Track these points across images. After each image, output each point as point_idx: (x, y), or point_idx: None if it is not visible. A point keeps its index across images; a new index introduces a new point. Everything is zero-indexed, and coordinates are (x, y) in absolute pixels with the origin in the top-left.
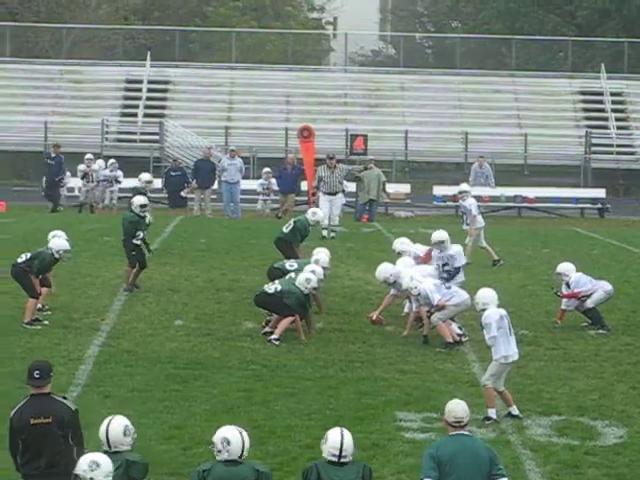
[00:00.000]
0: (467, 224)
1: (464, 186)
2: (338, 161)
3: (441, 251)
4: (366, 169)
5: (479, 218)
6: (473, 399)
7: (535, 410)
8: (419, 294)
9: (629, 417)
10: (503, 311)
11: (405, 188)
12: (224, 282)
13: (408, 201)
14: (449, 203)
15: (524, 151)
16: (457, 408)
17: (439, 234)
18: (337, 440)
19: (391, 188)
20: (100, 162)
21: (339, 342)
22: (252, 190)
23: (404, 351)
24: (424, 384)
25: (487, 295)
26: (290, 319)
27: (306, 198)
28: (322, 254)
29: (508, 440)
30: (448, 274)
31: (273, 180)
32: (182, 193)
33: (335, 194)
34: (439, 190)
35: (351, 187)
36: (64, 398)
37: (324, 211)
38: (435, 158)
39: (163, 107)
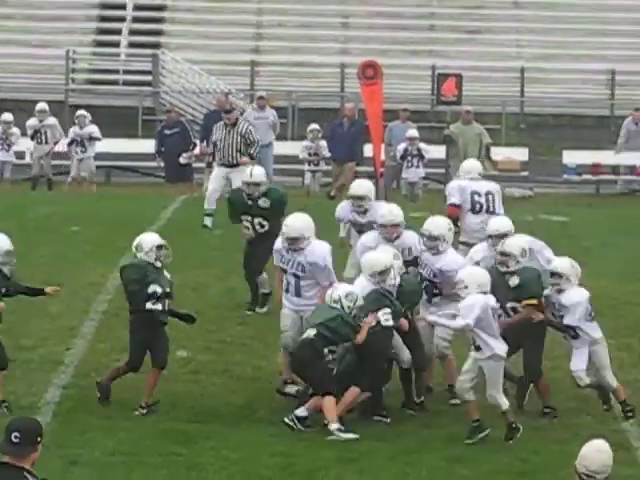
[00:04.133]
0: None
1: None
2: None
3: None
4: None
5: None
6: (622, 468)
7: None
8: None
9: None
10: None
11: (521, 154)
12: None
13: (525, 173)
14: (586, 177)
15: None
16: (593, 457)
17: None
18: None
19: (499, 154)
20: (84, 115)
21: None
22: (292, 156)
23: None
24: (547, 447)
25: None
26: None
27: (371, 169)
28: None
29: None
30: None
31: (323, 142)
32: (181, 159)
33: (233, 166)
34: (571, 157)
35: (436, 152)
36: None
37: (211, 190)
38: (566, 109)
39: (158, 32)
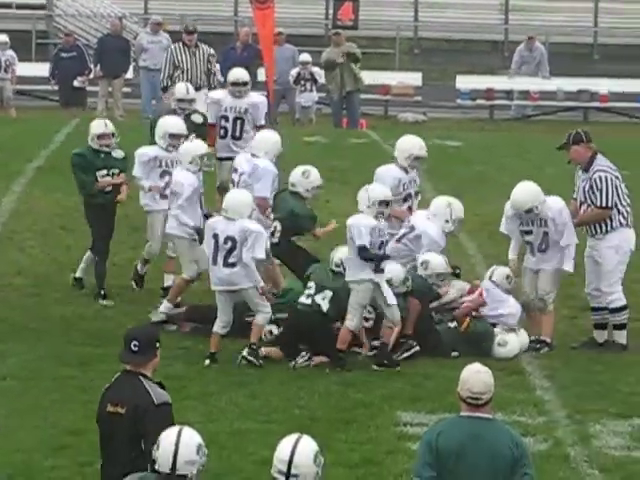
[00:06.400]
0: None
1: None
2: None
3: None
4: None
5: None
6: (514, 393)
7: (607, 410)
8: None
9: None
10: None
11: (414, 78)
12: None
13: (419, 98)
14: (480, 102)
15: (593, 24)
16: (474, 379)
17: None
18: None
19: (393, 79)
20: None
21: None
22: None
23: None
24: (439, 372)
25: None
26: None
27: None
28: None
29: (567, 454)
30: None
31: (217, 66)
32: (75, 82)
33: (197, 89)
34: (465, 82)
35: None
36: (159, 385)
37: None
38: (460, 34)
39: None
